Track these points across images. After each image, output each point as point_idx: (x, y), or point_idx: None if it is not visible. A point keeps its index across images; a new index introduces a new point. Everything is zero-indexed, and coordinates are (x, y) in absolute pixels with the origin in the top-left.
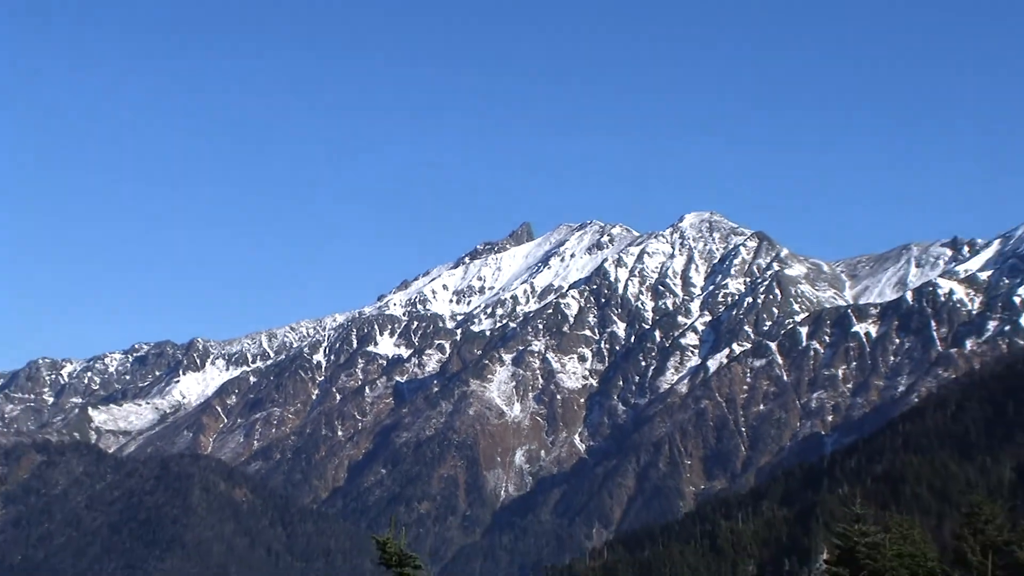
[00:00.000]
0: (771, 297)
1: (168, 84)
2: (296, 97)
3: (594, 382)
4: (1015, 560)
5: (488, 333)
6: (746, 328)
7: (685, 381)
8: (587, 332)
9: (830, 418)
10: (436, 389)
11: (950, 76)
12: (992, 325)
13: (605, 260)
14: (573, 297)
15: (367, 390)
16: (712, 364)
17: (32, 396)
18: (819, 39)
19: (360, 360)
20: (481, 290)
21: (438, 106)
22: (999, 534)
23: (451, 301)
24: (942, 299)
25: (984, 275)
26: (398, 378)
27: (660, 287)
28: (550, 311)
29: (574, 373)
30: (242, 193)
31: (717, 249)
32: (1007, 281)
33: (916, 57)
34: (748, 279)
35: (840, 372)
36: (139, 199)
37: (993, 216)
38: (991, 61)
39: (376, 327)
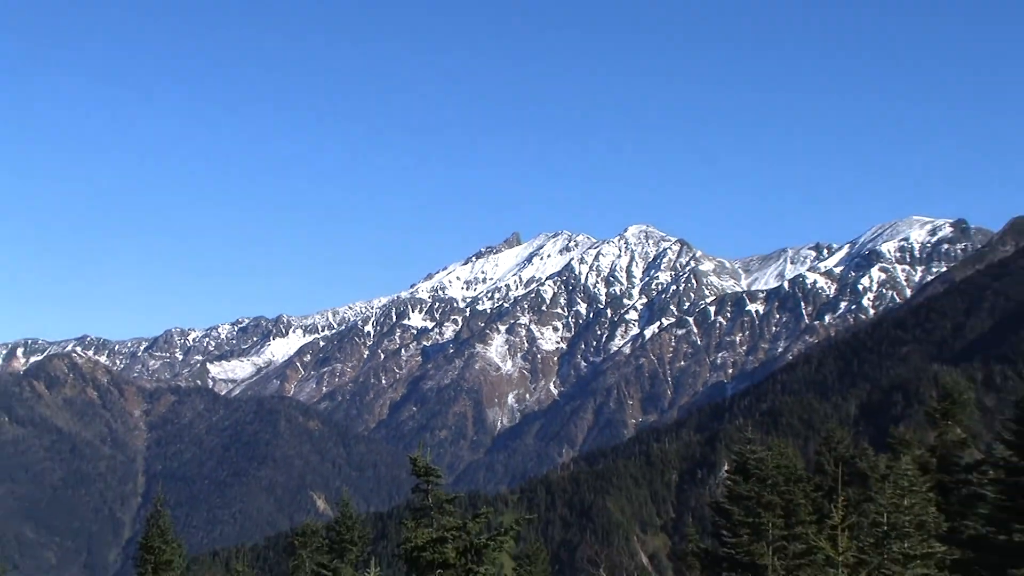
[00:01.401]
0: (689, 285)
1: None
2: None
3: (563, 345)
4: (857, 469)
5: (489, 311)
6: (671, 307)
7: (628, 345)
8: (559, 310)
9: (730, 371)
10: (452, 351)
11: (813, 120)
12: (843, 305)
13: (572, 259)
14: (549, 285)
15: (403, 351)
16: (648, 333)
17: (167, 355)
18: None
19: (398, 330)
20: (484, 280)
21: (458, 139)
22: (846, 451)
23: (462, 288)
24: (808, 287)
25: (837, 270)
26: (424, 343)
27: (611, 278)
28: (533, 295)
29: (549, 339)
30: (317, 210)
31: (651, 251)
32: (853, 274)
33: (789, 99)
34: (673, 272)
35: (737, 338)
36: (237, 216)
37: (846, 225)
38: (846, 106)
39: (409, 307)
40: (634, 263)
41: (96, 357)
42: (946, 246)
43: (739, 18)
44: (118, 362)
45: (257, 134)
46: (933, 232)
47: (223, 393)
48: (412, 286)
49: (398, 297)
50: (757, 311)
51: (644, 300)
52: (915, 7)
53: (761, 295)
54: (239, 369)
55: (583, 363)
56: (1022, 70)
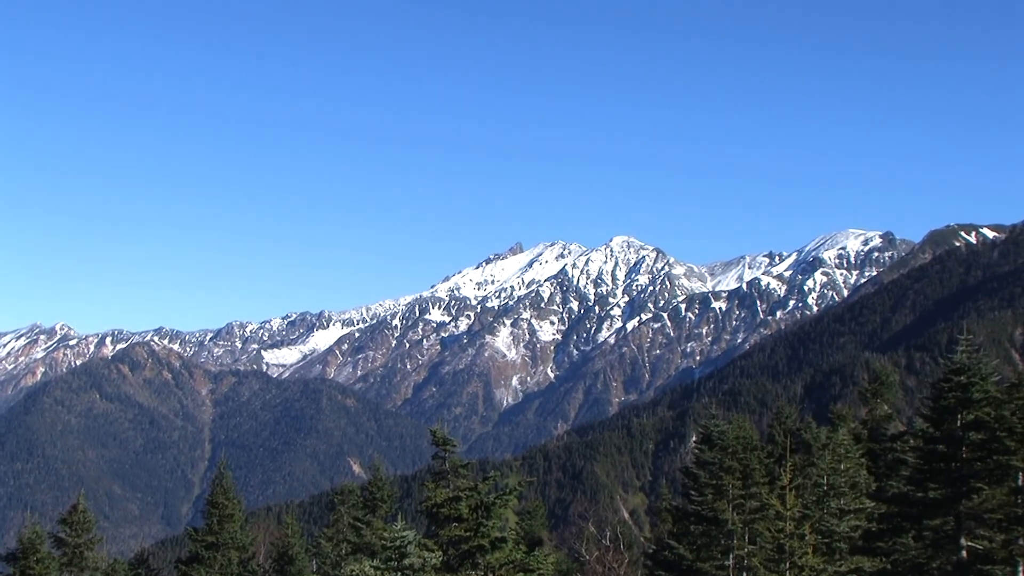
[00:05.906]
0: (664, 287)
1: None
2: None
3: (559, 337)
4: (802, 439)
5: (497, 307)
6: (649, 305)
7: (613, 336)
8: (555, 307)
9: (698, 358)
10: (465, 340)
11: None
12: (791, 303)
13: (566, 264)
14: (547, 286)
15: (424, 341)
16: (629, 326)
17: (228, 343)
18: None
19: (420, 323)
20: (492, 282)
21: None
22: (793, 424)
23: (475, 289)
24: (763, 288)
25: (787, 273)
26: (443, 334)
27: (598, 280)
28: (533, 295)
29: (547, 331)
30: (355, 223)
31: (632, 258)
32: (800, 277)
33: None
34: (650, 275)
35: (704, 331)
36: (290, 227)
37: (794, 236)
38: (795, 133)
39: (430, 304)
40: (618, 268)
41: (170, 345)
42: (876, 254)
43: (705, 52)
44: (188, 349)
45: (295, 156)
46: (866, 242)
47: (275, 376)
48: (432, 287)
49: (421, 296)
50: (720, 308)
51: (626, 299)
52: (846, 40)
53: (724, 295)
54: (288, 356)
55: (575, 351)
56: (938, 105)
